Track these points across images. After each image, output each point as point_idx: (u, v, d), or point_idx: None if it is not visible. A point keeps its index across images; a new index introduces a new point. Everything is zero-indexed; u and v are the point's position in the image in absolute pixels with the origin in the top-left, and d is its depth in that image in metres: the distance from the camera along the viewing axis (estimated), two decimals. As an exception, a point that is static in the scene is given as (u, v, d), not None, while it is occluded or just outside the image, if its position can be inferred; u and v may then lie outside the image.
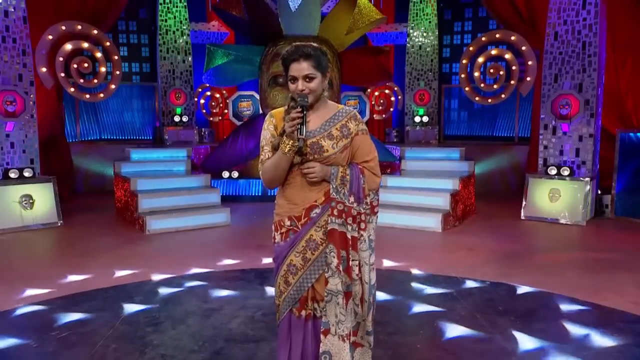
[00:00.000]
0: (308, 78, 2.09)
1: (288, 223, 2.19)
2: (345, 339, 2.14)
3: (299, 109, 2.02)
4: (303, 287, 2.18)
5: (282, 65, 2.17)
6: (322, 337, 2.13)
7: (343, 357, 2.13)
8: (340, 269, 2.11)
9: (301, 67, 2.08)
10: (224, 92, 10.80)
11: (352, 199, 2.13)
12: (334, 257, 2.11)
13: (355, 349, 2.25)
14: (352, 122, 2.20)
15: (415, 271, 4.82)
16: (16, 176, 6.52)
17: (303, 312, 2.21)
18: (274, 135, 2.18)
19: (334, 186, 2.12)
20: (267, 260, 5.00)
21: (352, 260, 2.15)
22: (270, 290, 4.22)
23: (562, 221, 6.90)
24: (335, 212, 2.12)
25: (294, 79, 2.10)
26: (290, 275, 2.19)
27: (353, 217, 2.14)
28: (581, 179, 6.91)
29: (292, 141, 2.05)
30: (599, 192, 7.34)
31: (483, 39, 8.09)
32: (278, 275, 2.24)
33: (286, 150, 2.07)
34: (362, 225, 2.17)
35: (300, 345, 2.22)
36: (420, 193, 6.97)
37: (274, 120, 2.21)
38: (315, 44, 2.20)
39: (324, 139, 2.14)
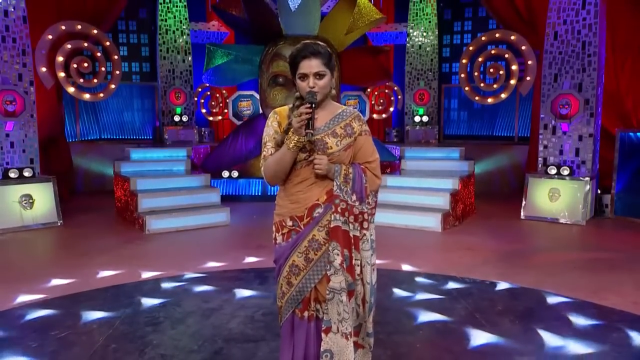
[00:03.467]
0: (318, 75, 2.08)
1: (290, 223, 2.18)
2: (348, 337, 2.12)
3: (308, 105, 2.02)
4: (306, 288, 2.17)
5: (289, 63, 2.14)
6: (323, 335, 2.12)
7: (347, 355, 2.11)
8: (344, 266, 2.10)
9: (312, 64, 2.06)
10: (224, 91, 10.79)
11: (354, 197, 2.13)
12: (337, 254, 2.09)
13: (357, 350, 2.24)
14: (355, 122, 2.20)
15: (414, 271, 4.82)
16: (16, 176, 6.52)
17: (306, 313, 2.20)
18: (277, 132, 2.17)
19: (338, 183, 2.11)
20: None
21: (355, 259, 2.14)
22: (270, 290, 4.22)
23: (562, 221, 6.91)
24: (339, 210, 2.10)
25: (304, 76, 2.08)
26: (293, 276, 2.18)
27: (355, 216, 2.13)
28: (581, 178, 6.91)
29: (297, 137, 2.05)
30: (599, 191, 7.35)
31: (483, 38, 8.09)
32: (280, 276, 2.22)
33: (291, 146, 2.07)
34: (365, 225, 2.16)
35: (303, 346, 2.20)
36: (420, 193, 6.97)
37: (277, 117, 2.20)
38: (322, 43, 2.18)
39: (328, 136, 2.14)
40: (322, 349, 2.12)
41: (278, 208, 2.25)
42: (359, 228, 2.15)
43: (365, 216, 2.16)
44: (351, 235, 2.13)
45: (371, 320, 2.23)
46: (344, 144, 2.15)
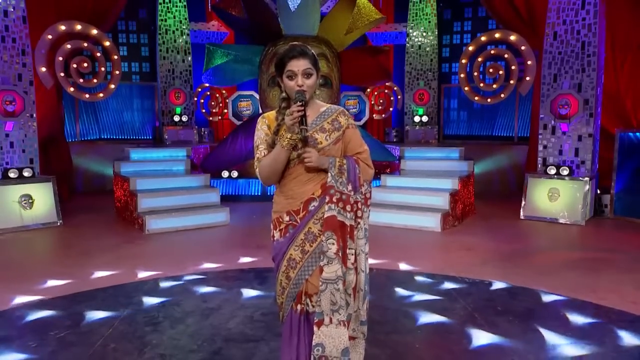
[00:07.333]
0: (306, 74, 2.14)
1: (287, 218, 2.22)
2: (345, 324, 2.13)
3: (300, 104, 2.08)
4: (301, 280, 2.20)
5: (276, 65, 2.20)
6: (315, 328, 2.13)
7: (341, 343, 2.10)
8: (340, 254, 2.13)
9: (300, 63, 2.13)
10: (224, 91, 10.80)
11: (349, 187, 2.17)
12: (332, 243, 2.12)
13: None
14: (342, 117, 2.27)
15: (414, 270, 4.83)
16: (16, 176, 6.52)
17: (299, 307, 2.23)
18: (268, 135, 2.23)
19: (332, 174, 2.15)
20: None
21: (349, 248, 2.17)
22: (269, 290, 4.23)
23: (562, 221, 6.91)
24: (334, 199, 2.14)
25: (293, 75, 2.14)
26: (291, 269, 2.21)
27: (351, 205, 2.17)
28: (580, 178, 6.91)
29: (290, 135, 2.11)
30: (598, 191, 7.35)
31: (482, 38, 8.09)
32: (279, 272, 2.25)
33: (284, 144, 2.12)
34: (359, 214, 2.21)
35: (296, 340, 2.22)
36: (419, 193, 6.97)
37: (266, 121, 2.27)
38: (309, 46, 2.24)
39: (317, 132, 2.21)
40: (314, 343, 2.12)
41: (275, 205, 2.30)
42: (353, 217, 2.19)
43: (359, 205, 2.21)
44: (347, 224, 2.16)
45: (365, 309, 2.26)
46: (333, 138, 2.22)
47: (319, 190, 2.19)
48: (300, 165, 2.19)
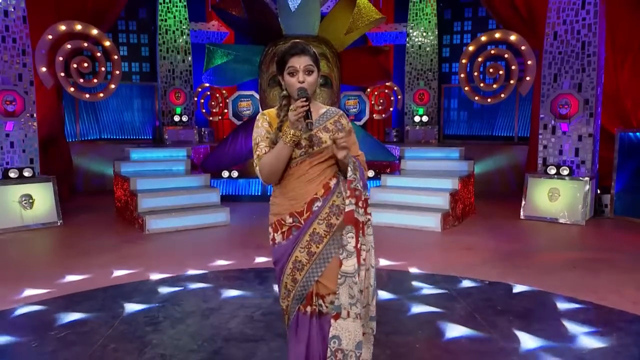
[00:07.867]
0: (308, 71, 2.14)
1: (290, 220, 2.19)
2: (360, 317, 2.13)
3: (304, 99, 2.05)
4: (310, 282, 2.18)
5: (277, 62, 2.19)
6: (332, 321, 2.12)
7: (357, 336, 2.11)
8: (359, 247, 2.12)
9: (301, 60, 2.13)
10: (224, 91, 10.80)
11: (361, 183, 2.18)
12: (352, 237, 2.11)
13: None
14: (343, 119, 2.29)
15: (414, 270, 4.83)
16: (16, 176, 6.53)
17: (309, 308, 2.21)
18: (269, 132, 2.19)
19: (351, 168, 2.14)
20: (261, 260, 5.01)
21: (361, 244, 2.16)
22: (269, 290, 4.23)
23: (562, 221, 6.91)
24: (354, 194, 2.13)
25: (294, 71, 2.13)
26: (297, 272, 2.19)
27: (362, 202, 2.18)
28: (580, 178, 6.91)
29: (293, 131, 2.07)
30: (599, 191, 7.35)
31: (482, 38, 8.09)
32: (284, 275, 2.22)
33: (287, 140, 2.09)
34: (368, 210, 2.21)
35: (306, 342, 2.21)
36: (419, 193, 6.98)
37: (267, 118, 2.24)
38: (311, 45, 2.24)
39: (321, 131, 2.20)
40: (330, 335, 2.12)
41: (274, 207, 2.26)
42: (363, 213, 2.18)
43: (368, 202, 2.23)
44: (360, 220, 2.16)
45: (374, 304, 2.25)
46: None
47: (322, 190, 2.18)
48: (302, 165, 2.17)
